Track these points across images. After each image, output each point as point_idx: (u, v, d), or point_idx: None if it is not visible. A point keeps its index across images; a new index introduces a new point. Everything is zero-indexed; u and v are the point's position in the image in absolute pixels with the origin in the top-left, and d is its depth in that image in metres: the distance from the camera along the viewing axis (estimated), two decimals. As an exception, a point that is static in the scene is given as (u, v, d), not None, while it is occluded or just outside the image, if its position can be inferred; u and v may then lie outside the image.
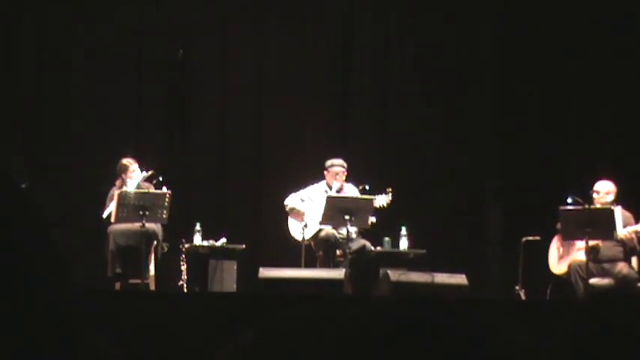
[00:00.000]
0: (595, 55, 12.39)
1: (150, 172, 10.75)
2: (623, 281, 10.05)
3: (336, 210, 10.32)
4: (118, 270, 10.46)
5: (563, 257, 10.46)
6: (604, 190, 10.38)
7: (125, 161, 10.79)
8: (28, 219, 1.14)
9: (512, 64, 12.54)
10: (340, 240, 10.56)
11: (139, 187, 10.70)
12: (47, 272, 1.12)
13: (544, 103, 12.50)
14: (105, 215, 10.60)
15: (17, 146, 11.99)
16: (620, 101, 12.30)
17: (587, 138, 12.39)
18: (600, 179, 10.49)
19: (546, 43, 12.47)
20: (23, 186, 9.16)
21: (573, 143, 12.45)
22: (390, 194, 10.52)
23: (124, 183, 10.73)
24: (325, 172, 10.90)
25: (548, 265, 10.52)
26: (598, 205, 10.30)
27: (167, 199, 10.34)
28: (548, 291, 10.47)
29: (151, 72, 12.49)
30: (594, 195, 10.36)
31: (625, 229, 10.16)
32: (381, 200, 10.50)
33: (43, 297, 1.10)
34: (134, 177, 10.73)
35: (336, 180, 10.81)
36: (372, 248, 10.71)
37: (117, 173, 10.81)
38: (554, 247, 10.54)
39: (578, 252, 10.27)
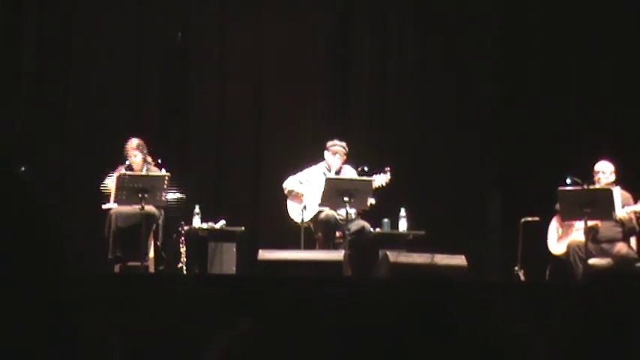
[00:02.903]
0: (594, 39, 12.37)
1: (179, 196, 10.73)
2: (622, 261, 10.04)
3: (335, 192, 10.31)
4: (118, 253, 10.46)
5: (562, 238, 10.46)
6: (608, 170, 10.38)
7: (130, 140, 10.76)
8: (28, 205, 1.13)
9: (514, 49, 12.52)
10: (339, 221, 10.56)
11: (148, 171, 10.68)
12: (48, 259, 1.12)
13: (544, 82, 12.48)
14: (105, 207, 10.58)
15: (16, 131, 11.96)
16: (620, 80, 12.28)
17: (586, 118, 12.38)
18: (600, 159, 10.49)
19: (547, 28, 12.45)
20: (22, 169, 9.16)
21: (573, 123, 12.44)
22: (389, 173, 10.51)
23: (128, 166, 10.69)
24: (325, 152, 10.87)
25: (547, 246, 10.52)
26: (597, 186, 10.30)
27: (166, 182, 10.34)
28: (547, 272, 10.48)
29: (151, 56, 12.47)
30: (599, 175, 10.35)
31: (624, 209, 10.17)
32: (380, 180, 10.49)
33: (44, 284, 1.10)
34: (136, 160, 10.67)
35: (335, 158, 10.79)
36: (372, 229, 10.71)
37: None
38: (553, 228, 10.54)
39: (577, 232, 10.28)
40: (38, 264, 1.10)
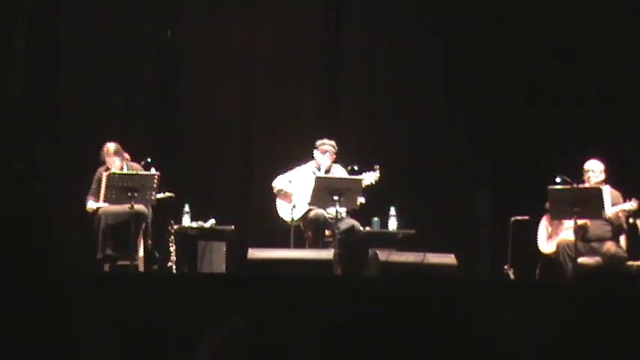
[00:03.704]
0: (587, 38, 12.38)
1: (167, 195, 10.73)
2: (611, 260, 10.06)
3: (324, 191, 10.31)
4: (109, 252, 10.43)
5: (551, 237, 10.48)
6: (599, 169, 10.39)
7: (106, 146, 10.72)
8: (29, 207, 1.14)
9: (507, 46, 12.53)
10: (329, 220, 10.55)
11: (128, 169, 10.69)
12: (47, 259, 1.13)
13: (535, 80, 12.50)
14: (88, 206, 10.58)
15: (7, 130, 11.93)
16: (610, 80, 12.30)
17: (576, 116, 12.39)
18: (590, 158, 10.50)
19: (538, 27, 12.47)
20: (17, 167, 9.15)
21: (562, 122, 12.45)
22: (378, 171, 10.51)
23: (108, 168, 10.67)
24: (315, 150, 10.86)
25: (537, 245, 10.54)
26: (586, 185, 10.32)
27: (156, 181, 10.33)
28: (537, 270, 10.50)
29: (140, 54, 12.44)
30: (589, 174, 10.36)
31: (612, 208, 10.19)
32: (370, 178, 10.49)
33: (45, 283, 1.10)
34: (115, 165, 10.62)
35: (325, 157, 10.78)
36: (361, 228, 10.70)
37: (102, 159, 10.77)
38: (543, 227, 10.56)
39: (567, 231, 10.29)
40: (39, 263, 1.11)
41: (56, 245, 1.16)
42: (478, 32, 12.64)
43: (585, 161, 10.49)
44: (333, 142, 10.85)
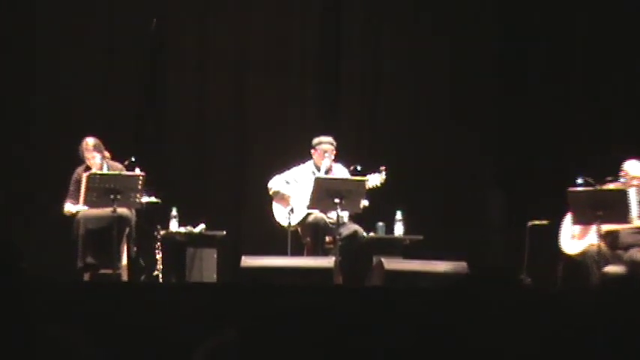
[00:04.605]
0: (603, 31, 12.36)
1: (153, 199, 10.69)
2: (632, 266, 9.94)
3: (324, 193, 10.29)
4: (90, 260, 10.37)
5: (579, 236, 10.24)
6: None
7: (85, 140, 10.65)
8: None
9: (516, 37, 12.53)
10: (330, 225, 10.52)
11: (108, 168, 10.62)
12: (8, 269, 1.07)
13: (550, 77, 12.48)
14: (66, 209, 10.53)
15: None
16: (631, 75, 12.29)
17: (598, 112, 12.36)
18: (629, 159, 10.27)
19: (551, 19, 12.46)
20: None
21: (583, 119, 12.42)
22: (384, 173, 10.47)
23: (88, 166, 10.60)
24: (312, 151, 10.85)
25: (556, 252, 10.38)
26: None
27: (140, 182, 10.27)
28: (560, 273, 10.32)
29: (123, 45, 12.40)
30: (634, 182, 10.16)
31: None
32: (375, 180, 10.47)
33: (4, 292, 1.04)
34: (95, 162, 10.55)
35: (325, 159, 10.74)
36: (365, 234, 10.69)
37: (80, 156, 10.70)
38: (568, 225, 10.32)
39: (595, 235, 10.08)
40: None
41: (18, 256, 1.10)
42: (484, 27, 12.65)
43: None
44: (330, 139, 10.82)
